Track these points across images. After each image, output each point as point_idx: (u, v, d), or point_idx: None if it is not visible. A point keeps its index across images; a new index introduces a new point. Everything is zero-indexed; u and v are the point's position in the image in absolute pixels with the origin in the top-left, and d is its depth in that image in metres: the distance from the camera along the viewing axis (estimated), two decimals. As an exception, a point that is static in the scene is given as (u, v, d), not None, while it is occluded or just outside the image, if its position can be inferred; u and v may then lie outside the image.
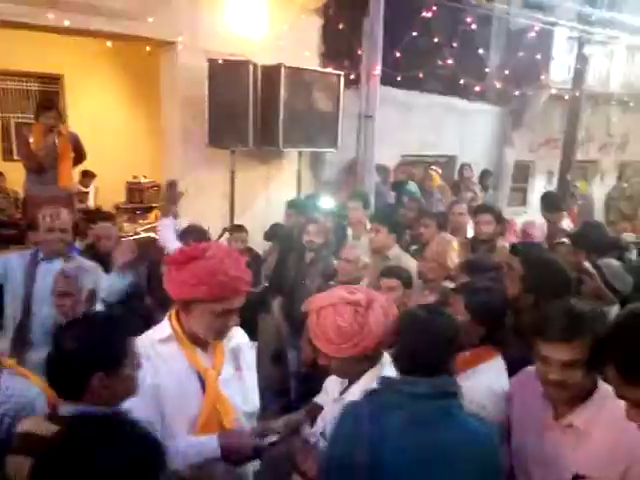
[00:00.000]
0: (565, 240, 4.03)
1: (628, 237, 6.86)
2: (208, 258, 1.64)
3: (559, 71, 7.92)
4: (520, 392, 1.76)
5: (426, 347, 1.47)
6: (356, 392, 1.70)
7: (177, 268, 1.66)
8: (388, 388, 1.49)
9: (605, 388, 1.47)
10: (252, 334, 2.68)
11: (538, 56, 7.44)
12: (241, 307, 1.76)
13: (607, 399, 1.41)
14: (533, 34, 7.01)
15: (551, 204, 4.92)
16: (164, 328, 1.77)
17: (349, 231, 4.60)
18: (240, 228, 4.35)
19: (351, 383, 1.76)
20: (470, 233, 4.35)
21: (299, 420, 1.94)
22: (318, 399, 2.03)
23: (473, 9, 6.16)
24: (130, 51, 6.69)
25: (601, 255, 3.12)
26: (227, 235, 4.46)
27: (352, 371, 1.73)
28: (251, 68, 5.08)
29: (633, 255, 4.09)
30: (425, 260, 3.18)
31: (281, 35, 5.29)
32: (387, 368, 1.72)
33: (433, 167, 7.08)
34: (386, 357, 1.74)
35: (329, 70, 5.62)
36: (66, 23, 4.47)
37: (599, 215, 9.10)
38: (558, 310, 1.54)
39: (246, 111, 5.09)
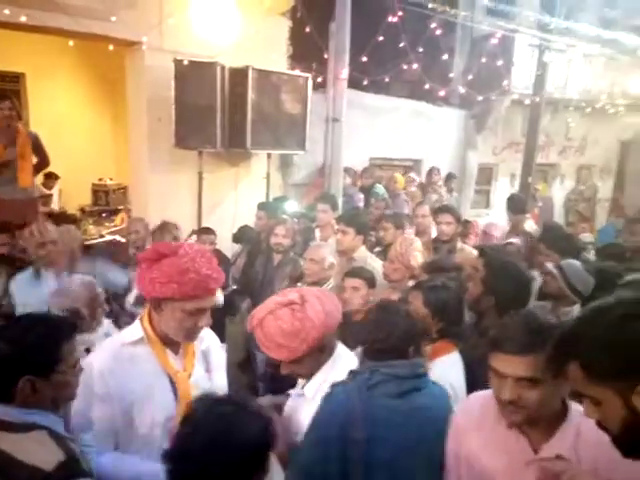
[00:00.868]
0: (515, 240, 4.19)
1: (586, 238, 7.13)
2: (180, 256, 1.63)
3: (520, 77, 8.16)
4: (476, 423, 1.55)
5: (388, 336, 1.69)
6: (317, 382, 1.79)
7: (149, 266, 1.64)
8: (371, 371, 1.67)
9: (576, 407, 1.35)
10: (220, 337, 2.67)
11: (500, 62, 7.67)
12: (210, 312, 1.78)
13: (582, 419, 1.27)
14: (495, 41, 7.21)
15: (516, 206, 5.09)
16: (135, 330, 1.76)
17: (317, 233, 4.64)
18: (208, 230, 4.33)
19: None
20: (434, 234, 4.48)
21: (282, 401, 2.02)
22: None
23: (438, 15, 6.30)
24: (96, 51, 6.56)
25: (562, 256, 3.23)
26: (195, 237, 4.44)
27: (315, 367, 1.79)
28: (219, 69, 5.08)
29: (590, 255, 4.25)
30: (389, 261, 3.22)
31: (249, 37, 5.30)
32: (342, 356, 1.84)
33: (412, 175, 7.19)
34: (340, 346, 1.84)
35: (297, 73, 5.66)
36: (22, 19, 4.34)
37: (559, 217, 9.43)
38: (517, 320, 1.42)
39: (214, 112, 5.08)
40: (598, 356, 0.97)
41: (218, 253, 4.58)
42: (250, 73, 5.12)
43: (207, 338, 1.95)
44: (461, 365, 2.06)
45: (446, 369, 1.98)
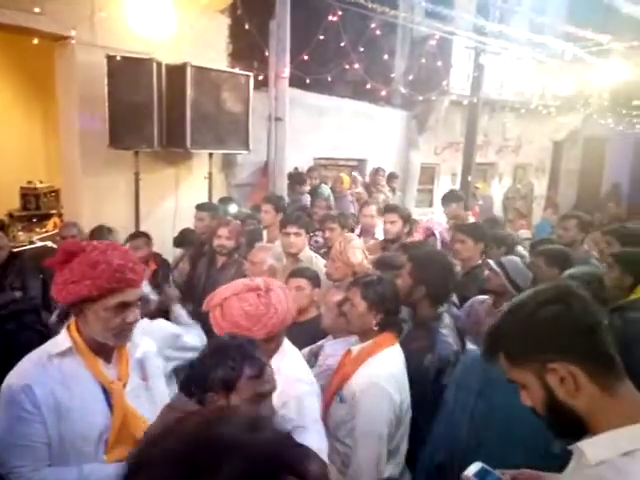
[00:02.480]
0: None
1: (524, 234, 7.41)
2: (89, 251, 1.55)
3: (459, 79, 8.39)
4: None
5: None
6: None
7: (58, 269, 1.55)
8: None
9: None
10: None
11: (439, 64, 7.85)
12: (152, 317, 1.71)
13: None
14: (434, 42, 7.38)
15: (447, 197, 5.24)
16: (62, 340, 1.65)
17: (264, 234, 4.56)
18: (142, 234, 4.14)
19: None
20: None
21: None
22: None
23: (378, 16, 6.36)
24: (23, 45, 6.17)
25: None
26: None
27: (266, 355, 1.75)
28: (155, 66, 4.88)
29: (525, 251, 4.40)
30: (331, 260, 3.22)
31: (186, 33, 5.14)
32: (290, 348, 1.90)
33: (355, 174, 7.22)
34: (286, 340, 1.90)
35: (237, 71, 5.54)
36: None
37: (498, 214, 9.76)
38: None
39: (150, 111, 4.88)
40: (515, 342, 1.10)
41: (157, 257, 4.40)
42: (188, 70, 4.96)
43: (143, 345, 1.85)
44: (402, 357, 2.12)
45: (388, 361, 2.04)
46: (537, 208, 10.72)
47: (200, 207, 4.42)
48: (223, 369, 1.37)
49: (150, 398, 1.79)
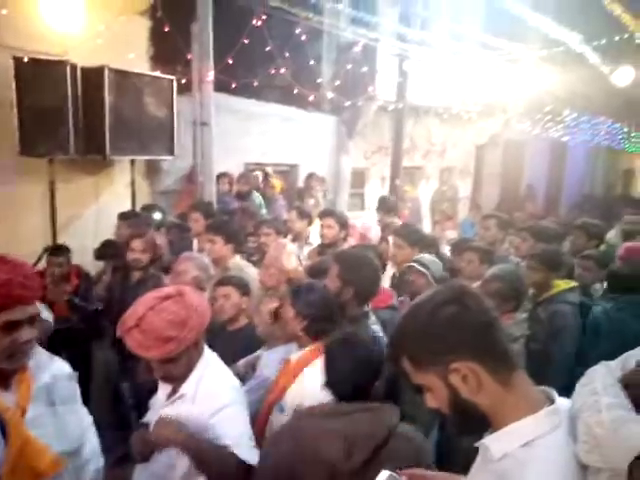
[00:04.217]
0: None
1: (451, 234, 7.66)
2: None
3: (385, 84, 8.58)
4: None
5: None
6: (194, 381, 1.78)
7: None
8: None
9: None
10: (86, 364, 2.39)
11: (365, 69, 7.99)
12: (72, 336, 1.60)
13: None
14: (359, 49, 7.50)
15: (386, 207, 5.32)
16: None
17: (195, 243, 4.42)
18: (60, 248, 3.89)
19: (178, 386, 1.80)
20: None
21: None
22: (146, 419, 1.94)
23: (303, 22, 6.37)
24: None
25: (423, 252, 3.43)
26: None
27: (189, 366, 1.78)
28: (69, 69, 4.62)
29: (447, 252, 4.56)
30: (264, 267, 3.17)
31: (103, 35, 4.89)
32: (210, 354, 1.87)
33: (267, 170, 7.11)
34: (208, 351, 1.87)
35: (159, 74, 5.36)
36: None
37: (426, 216, 10.07)
38: None
39: (65, 116, 4.60)
40: (417, 345, 1.11)
41: (78, 270, 4.16)
42: (106, 74, 4.73)
43: (52, 368, 1.72)
44: None
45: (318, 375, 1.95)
46: (463, 209, 11.17)
47: (121, 216, 4.21)
48: None
49: (58, 425, 1.66)
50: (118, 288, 3.62)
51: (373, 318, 2.51)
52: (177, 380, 1.81)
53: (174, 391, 1.83)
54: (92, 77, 4.75)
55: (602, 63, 8.52)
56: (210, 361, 1.86)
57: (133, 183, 5.42)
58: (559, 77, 9.31)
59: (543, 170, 14.67)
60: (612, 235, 5.99)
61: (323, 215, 4.19)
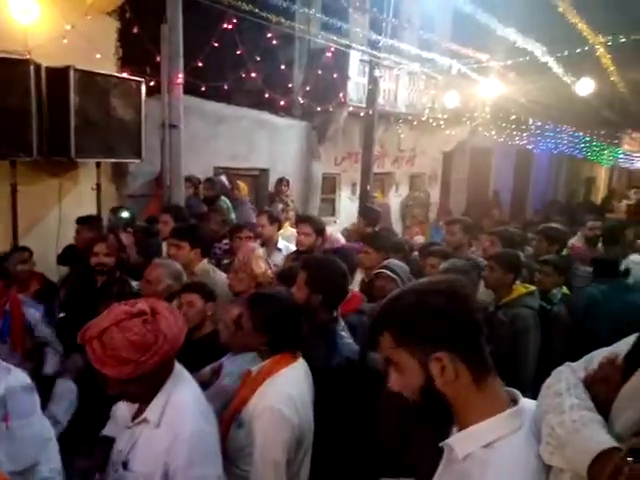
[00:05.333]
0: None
1: (419, 239, 7.76)
2: None
3: (355, 91, 8.65)
4: None
5: None
6: (160, 405, 1.65)
7: None
8: None
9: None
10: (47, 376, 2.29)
11: (336, 76, 8.04)
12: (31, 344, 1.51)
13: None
14: (330, 55, 7.54)
15: (369, 218, 5.35)
16: None
17: (164, 247, 4.34)
18: (22, 251, 3.76)
19: (143, 405, 1.68)
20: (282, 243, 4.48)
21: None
22: (107, 430, 1.85)
23: (275, 26, 6.37)
24: None
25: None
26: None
27: (153, 388, 1.65)
28: (32, 69, 4.49)
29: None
30: (233, 272, 3.13)
31: (69, 35, 4.78)
32: (182, 374, 1.74)
33: (222, 177, 7.04)
34: (177, 365, 1.73)
35: (126, 76, 5.26)
36: None
37: (396, 221, 10.18)
38: None
39: (28, 117, 4.47)
40: (409, 323, 1.11)
41: (39, 276, 4.04)
42: (72, 74, 4.61)
43: (7, 379, 1.66)
44: (304, 375, 2.04)
45: (286, 382, 1.94)
46: (432, 215, 11.34)
47: (80, 220, 4.12)
48: None
49: (11, 440, 1.60)
50: (82, 294, 3.50)
51: (342, 324, 2.48)
52: (137, 401, 1.70)
53: (140, 411, 1.70)
54: (57, 77, 4.63)
55: (565, 74, 8.81)
56: (179, 382, 1.71)
57: (98, 186, 5.29)
58: (524, 86, 9.58)
59: (509, 177, 15.04)
60: (575, 240, 6.17)
61: (299, 221, 4.14)
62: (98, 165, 5.23)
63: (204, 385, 2.22)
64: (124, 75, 5.27)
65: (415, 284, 1.20)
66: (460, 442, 1.11)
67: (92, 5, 5.11)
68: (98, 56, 5.09)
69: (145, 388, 1.63)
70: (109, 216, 5.13)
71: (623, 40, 6.72)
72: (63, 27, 4.74)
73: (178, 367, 1.75)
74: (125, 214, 4.82)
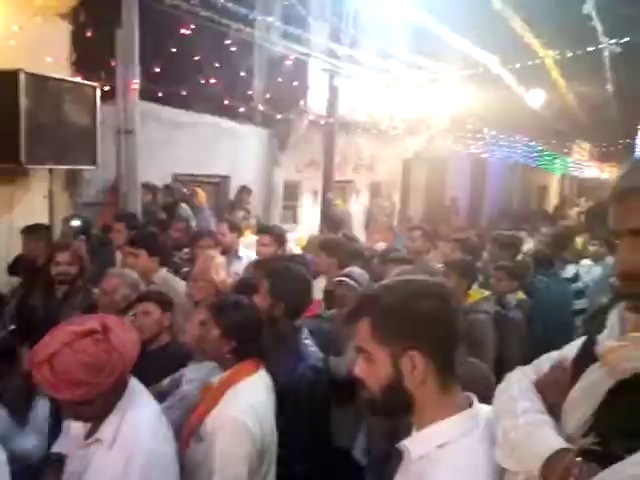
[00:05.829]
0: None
1: (380, 246, 7.83)
2: None
3: (316, 99, 8.70)
4: None
5: None
6: (114, 424, 1.58)
7: None
8: None
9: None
10: None
11: (297, 84, 8.06)
12: None
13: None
14: (290, 63, 7.56)
15: (332, 224, 5.39)
16: None
17: (118, 256, 4.22)
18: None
19: (97, 424, 1.61)
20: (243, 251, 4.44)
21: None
22: (58, 446, 1.78)
23: (234, 33, 6.34)
24: None
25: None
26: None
27: (107, 407, 1.58)
28: (-24, 71, 4.31)
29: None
30: (192, 280, 3.08)
31: (18, 37, 4.62)
32: (137, 390, 1.67)
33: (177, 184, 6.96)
34: (133, 380, 1.66)
35: (80, 80, 5.11)
36: None
37: (358, 228, 10.25)
38: None
39: (-27, 121, 4.28)
40: (389, 316, 1.11)
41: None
42: (22, 78, 4.44)
43: None
44: (267, 385, 2.01)
45: (248, 392, 1.90)
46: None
47: (25, 230, 3.98)
48: None
49: None
50: (40, 305, 3.37)
51: (306, 332, 2.46)
52: (90, 420, 1.63)
53: (94, 429, 1.63)
54: (5, 81, 4.45)
55: (517, 85, 9.14)
56: (135, 399, 1.64)
57: (51, 194, 5.11)
58: (479, 97, 9.88)
59: (465, 184, 15.43)
60: (530, 246, 6.39)
61: (260, 232, 4.13)
62: (51, 172, 5.05)
63: (164, 395, 2.16)
64: (78, 79, 5.11)
65: (410, 280, 1.20)
66: (415, 443, 1.13)
67: (42, 6, 4.94)
68: (49, 59, 4.93)
69: (99, 408, 1.57)
70: (62, 225, 4.96)
71: (570, 55, 7.03)
72: (10, 28, 4.58)
73: (133, 382, 1.68)
74: (77, 222, 4.66)
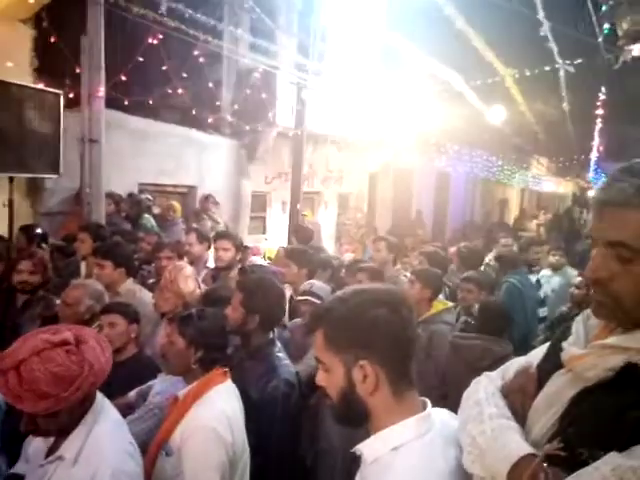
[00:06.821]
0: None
1: (348, 257, 7.90)
2: None
3: (284, 111, 8.74)
4: None
5: None
6: (79, 440, 1.51)
7: None
8: None
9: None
10: None
11: (265, 96, 8.09)
12: None
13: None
14: (258, 75, 7.59)
15: (302, 236, 5.39)
16: None
17: (82, 267, 4.12)
18: None
19: (59, 440, 1.55)
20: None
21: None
22: (17, 468, 1.72)
23: (202, 44, 6.32)
24: None
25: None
26: None
27: (71, 422, 1.52)
28: None
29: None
30: (159, 291, 3.02)
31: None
32: (105, 406, 1.62)
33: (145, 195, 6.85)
34: (99, 395, 1.61)
35: (43, 87, 5.00)
36: None
37: (327, 239, 10.29)
38: None
39: None
40: (339, 327, 1.13)
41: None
42: (-19, 83, 4.33)
43: None
44: (235, 393, 2.00)
45: (219, 399, 1.88)
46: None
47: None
48: None
49: None
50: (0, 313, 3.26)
51: (279, 345, 2.43)
52: (53, 435, 1.57)
53: (56, 446, 1.56)
54: (-36, 86, 4.33)
55: (478, 102, 9.42)
56: (101, 415, 1.58)
57: (11, 203, 4.94)
58: (443, 112, 10.14)
59: (430, 197, 15.73)
60: (491, 257, 6.55)
61: (217, 237, 4.08)
62: (11, 180, 4.89)
63: (131, 407, 2.12)
64: (40, 86, 5.00)
65: (358, 289, 1.21)
66: (368, 447, 1.14)
67: (2, 11, 4.83)
68: (10, 64, 4.80)
69: (63, 422, 1.51)
70: (17, 235, 4.80)
71: (528, 74, 7.31)
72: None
73: (99, 397, 1.63)
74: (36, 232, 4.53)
